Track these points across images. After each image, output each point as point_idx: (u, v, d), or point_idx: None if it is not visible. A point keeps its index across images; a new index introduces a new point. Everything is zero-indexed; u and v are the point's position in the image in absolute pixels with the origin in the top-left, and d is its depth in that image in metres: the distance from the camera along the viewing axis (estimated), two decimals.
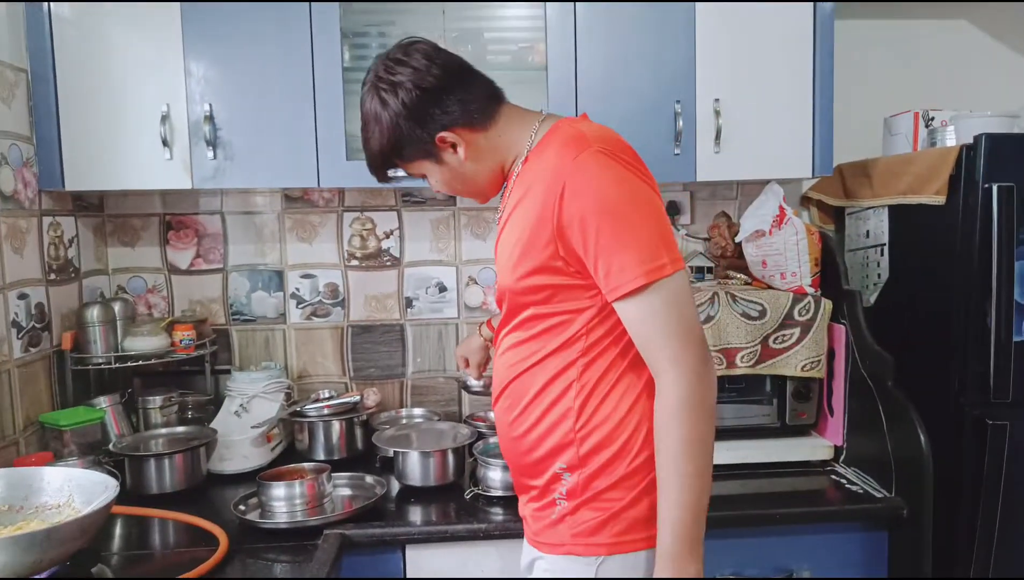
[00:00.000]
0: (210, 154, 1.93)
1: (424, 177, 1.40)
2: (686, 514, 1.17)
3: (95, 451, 1.86)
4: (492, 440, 1.90)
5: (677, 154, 1.99)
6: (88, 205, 2.22)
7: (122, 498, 1.75)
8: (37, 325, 1.93)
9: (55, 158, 1.92)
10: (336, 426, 2.08)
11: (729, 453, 1.98)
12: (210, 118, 1.92)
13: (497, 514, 1.71)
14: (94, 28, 1.91)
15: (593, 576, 1.28)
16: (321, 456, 2.06)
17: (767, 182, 2.08)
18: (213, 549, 1.52)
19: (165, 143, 1.92)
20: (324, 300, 2.37)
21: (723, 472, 1.95)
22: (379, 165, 1.38)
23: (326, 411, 2.08)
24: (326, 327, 2.38)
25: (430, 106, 1.28)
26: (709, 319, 1.93)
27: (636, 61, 1.98)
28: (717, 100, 1.98)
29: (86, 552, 1.30)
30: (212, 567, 1.46)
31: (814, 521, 1.78)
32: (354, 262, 2.37)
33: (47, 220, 2.00)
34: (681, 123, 1.97)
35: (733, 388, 2.03)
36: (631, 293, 1.15)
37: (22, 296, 1.88)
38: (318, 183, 1.96)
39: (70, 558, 1.25)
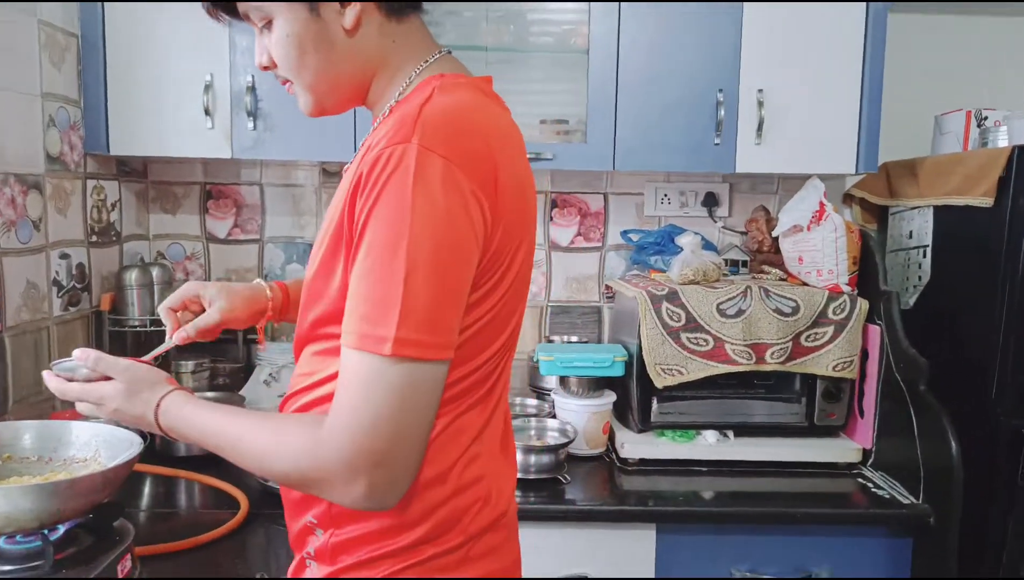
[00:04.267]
0: (250, 125, 1.95)
1: (265, 26, 1.02)
2: (202, 426, 1.00)
3: None
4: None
5: (717, 144, 1.96)
6: (132, 171, 2.26)
7: (151, 458, 1.80)
8: (77, 285, 1.98)
9: (101, 122, 1.96)
10: None
11: (754, 450, 1.95)
12: (252, 89, 1.94)
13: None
14: None
15: None
16: None
17: (808, 177, 2.03)
18: (234, 512, 1.55)
19: (207, 112, 1.95)
20: None
21: (747, 469, 1.93)
22: None
23: None
24: None
25: None
26: (741, 313, 1.90)
27: (680, 47, 1.95)
28: (761, 91, 1.95)
29: (110, 506, 1.33)
30: (232, 529, 1.50)
31: (836, 523, 1.76)
32: None
33: (91, 183, 2.04)
34: (723, 112, 1.94)
35: (762, 385, 2.00)
36: (346, 345, 0.89)
37: (63, 256, 1.92)
38: None
39: (92, 510, 1.28)
